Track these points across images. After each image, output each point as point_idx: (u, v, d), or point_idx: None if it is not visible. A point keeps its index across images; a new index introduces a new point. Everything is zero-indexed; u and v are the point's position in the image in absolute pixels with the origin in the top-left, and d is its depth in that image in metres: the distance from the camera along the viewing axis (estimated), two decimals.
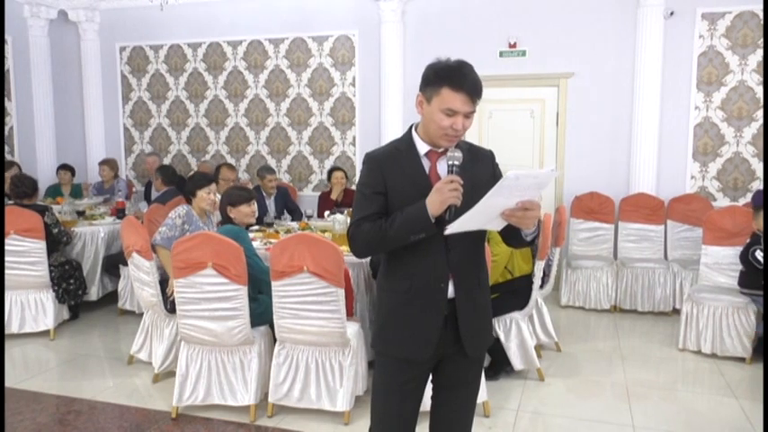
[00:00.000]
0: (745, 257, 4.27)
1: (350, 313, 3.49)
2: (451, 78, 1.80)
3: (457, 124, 1.82)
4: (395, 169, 1.89)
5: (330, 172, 6.28)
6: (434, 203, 1.76)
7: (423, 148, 1.92)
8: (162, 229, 4.00)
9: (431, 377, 2.07)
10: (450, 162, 1.82)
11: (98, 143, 7.66)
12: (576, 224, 5.94)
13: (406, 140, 1.95)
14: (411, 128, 1.98)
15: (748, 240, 4.31)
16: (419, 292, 1.91)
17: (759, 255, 4.18)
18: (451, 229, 1.76)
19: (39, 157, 7.29)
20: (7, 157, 6.92)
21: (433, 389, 2.09)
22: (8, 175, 5.62)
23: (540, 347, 4.33)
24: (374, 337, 2.04)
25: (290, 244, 3.25)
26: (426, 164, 1.91)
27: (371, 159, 1.95)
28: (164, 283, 3.93)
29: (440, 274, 1.90)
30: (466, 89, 1.80)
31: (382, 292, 2.02)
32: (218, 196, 4.12)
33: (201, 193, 4.09)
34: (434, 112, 1.83)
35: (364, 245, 1.90)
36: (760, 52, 5.58)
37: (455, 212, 1.76)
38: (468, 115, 1.84)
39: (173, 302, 3.63)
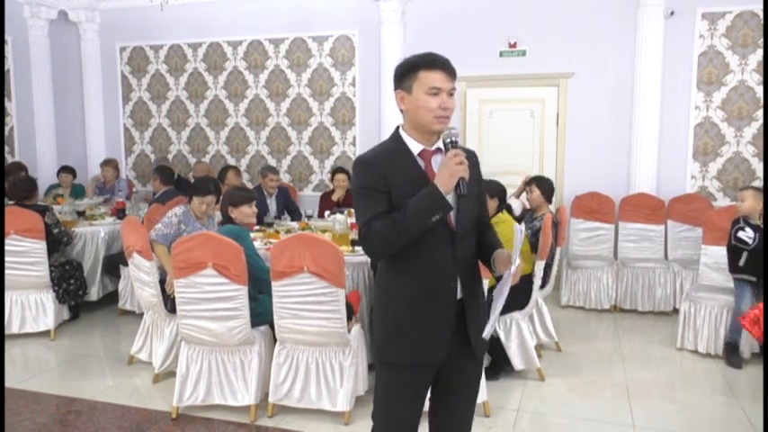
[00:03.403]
0: (730, 243, 4.28)
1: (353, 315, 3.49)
2: (424, 61, 1.86)
3: (445, 102, 1.84)
4: (391, 170, 1.86)
5: (333, 173, 6.24)
6: (444, 179, 1.76)
7: (415, 147, 1.90)
8: (158, 225, 4.08)
9: (440, 381, 2.02)
10: (449, 139, 1.85)
11: (98, 143, 7.66)
12: (577, 224, 5.94)
13: (396, 141, 1.93)
14: (398, 129, 1.95)
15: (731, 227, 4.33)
16: (429, 295, 1.88)
17: (742, 234, 4.20)
18: (490, 328, 1.92)
19: (39, 157, 7.29)
20: (7, 158, 6.92)
21: (435, 391, 2.05)
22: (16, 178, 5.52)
23: (540, 347, 4.33)
24: (380, 345, 1.97)
25: (291, 244, 3.25)
26: (421, 164, 1.90)
27: (366, 162, 1.90)
28: (164, 282, 3.94)
29: (448, 273, 1.88)
30: (440, 66, 1.85)
31: (385, 298, 1.96)
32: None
33: (195, 200, 4.18)
34: (419, 98, 1.84)
35: (381, 242, 1.82)
36: (760, 52, 5.58)
37: (465, 187, 1.80)
38: (451, 93, 1.86)
39: (173, 302, 3.64)
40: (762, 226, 4.17)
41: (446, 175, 1.76)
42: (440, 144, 1.92)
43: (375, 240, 1.83)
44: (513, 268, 1.83)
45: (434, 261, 1.87)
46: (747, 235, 4.19)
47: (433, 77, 1.83)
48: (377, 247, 1.86)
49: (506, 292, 1.86)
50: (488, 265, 2.00)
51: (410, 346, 1.90)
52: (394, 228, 1.78)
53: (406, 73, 1.87)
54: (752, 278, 4.18)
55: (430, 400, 2.08)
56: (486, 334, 1.95)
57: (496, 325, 3.91)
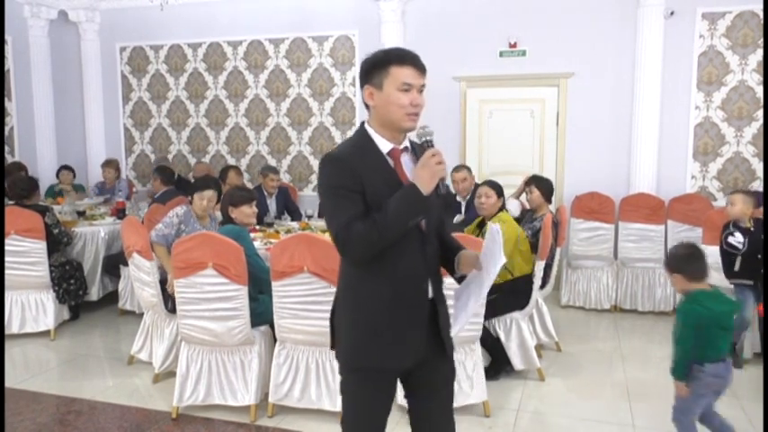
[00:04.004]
0: (722, 248, 4.28)
1: None
2: (395, 56, 1.81)
3: (416, 99, 1.81)
4: (364, 169, 1.79)
5: None
6: (424, 179, 1.73)
7: (384, 145, 1.85)
8: (158, 226, 4.07)
9: (410, 384, 2.01)
10: (424, 138, 1.84)
11: (98, 143, 7.66)
12: (577, 224, 5.94)
13: (364, 139, 1.87)
14: (363, 126, 1.90)
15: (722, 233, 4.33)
16: (404, 297, 1.85)
17: (732, 240, 4.21)
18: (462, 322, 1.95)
19: (39, 157, 7.28)
20: (7, 158, 6.92)
21: (410, 396, 2.02)
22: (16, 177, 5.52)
23: (540, 347, 4.33)
24: (352, 349, 1.90)
25: (290, 244, 3.25)
26: (390, 162, 1.85)
27: (337, 160, 1.81)
28: (164, 282, 3.94)
29: (420, 274, 1.87)
30: (411, 62, 1.81)
31: (357, 301, 1.89)
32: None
33: (196, 197, 4.19)
34: (391, 94, 1.79)
35: (363, 245, 1.74)
36: (760, 52, 5.58)
37: (444, 186, 1.79)
38: (421, 90, 1.83)
39: (173, 302, 3.64)
40: (752, 228, 4.16)
41: (426, 175, 1.73)
42: (407, 143, 1.91)
43: (357, 243, 1.74)
44: (498, 267, 1.81)
45: (407, 262, 1.84)
46: (737, 240, 4.20)
47: (405, 73, 1.79)
48: (358, 251, 1.77)
49: (484, 292, 1.86)
50: (447, 265, 1.99)
51: (386, 350, 1.85)
52: (375, 230, 1.71)
53: (376, 68, 1.81)
54: (749, 282, 4.18)
55: (408, 407, 2.04)
56: (456, 332, 1.94)
57: (497, 325, 3.91)
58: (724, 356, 2.65)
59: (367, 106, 1.88)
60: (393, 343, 1.85)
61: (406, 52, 1.82)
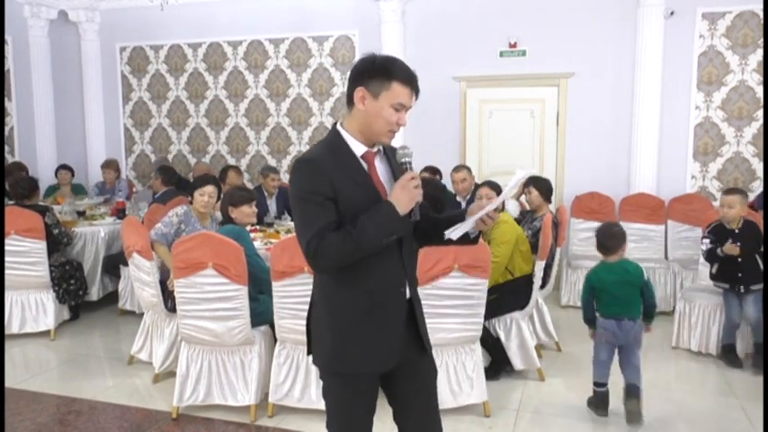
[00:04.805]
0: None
1: None
2: (401, 73, 1.80)
3: (402, 119, 1.82)
4: (338, 173, 1.76)
5: None
6: (403, 202, 1.74)
7: (358, 149, 1.84)
8: (158, 225, 4.06)
9: (392, 387, 2.00)
10: (405, 159, 1.84)
11: (98, 143, 7.66)
12: (577, 224, 5.94)
13: (338, 141, 1.84)
14: (336, 128, 1.87)
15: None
16: (382, 303, 1.85)
17: (702, 247, 4.27)
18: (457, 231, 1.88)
19: (39, 157, 7.29)
20: (7, 158, 6.93)
21: (392, 398, 2.01)
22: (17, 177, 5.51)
23: (540, 347, 4.33)
24: (331, 356, 1.87)
25: (291, 244, 3.25)
26: (364, 165, 1.84)
27: (311, 164, 1.77)
28: (164, 283, 3.93)
29: (398, 278, 1.88)
30: (411, 84, 1.81)
31: (333, 308, 1.87)
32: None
33: (196, 194, 4.17)
34: (383, 108, 1.78)
35: (336, 257, 1.72)
36: (760, 52, 5.58)
37: (419, 209, 1.81)
38: (407, 110, 1.84)
39: (173, 301, 3.64)
40: (737, 231, 4.15)
41: (405, 198, 1.74)
42: (380, 146, 1.91)
43: (331, 255, 1.72)
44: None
45: (385, 269, 1.84)
46: (702, 248, 4.27)
47: (404, 94, 1.79)
48: (329, 263, 1.75)
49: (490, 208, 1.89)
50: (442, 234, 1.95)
51: (365, 356, 1.85)
52: (350, 243, 1.70)
53: (378, 76, 1.78)
54: (724, 285, 4.18)
55: (393, 411, 2.03)
56: (451, 234, 1.88)
57: (497, 325, 3.92)
58: (617, 316, 3.28)
59: (350, 102, 1.84)
60: (371, 349, 1.85)
61: (410, 73, 1.82)
